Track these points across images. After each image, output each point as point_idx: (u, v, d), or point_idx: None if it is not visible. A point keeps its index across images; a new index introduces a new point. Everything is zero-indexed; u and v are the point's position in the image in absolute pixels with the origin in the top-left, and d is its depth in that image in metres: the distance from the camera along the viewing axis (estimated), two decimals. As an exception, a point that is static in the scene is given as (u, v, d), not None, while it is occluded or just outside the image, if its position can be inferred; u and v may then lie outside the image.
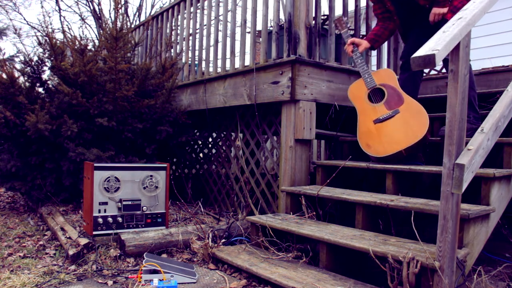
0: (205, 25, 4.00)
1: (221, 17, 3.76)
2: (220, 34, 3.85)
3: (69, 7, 20.04)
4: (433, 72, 4.33)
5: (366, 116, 2.75)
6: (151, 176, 2.81)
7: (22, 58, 3.70)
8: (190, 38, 4.16)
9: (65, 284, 2.03)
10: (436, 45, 1.46)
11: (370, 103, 2.76)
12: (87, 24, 13.30)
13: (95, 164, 2.64)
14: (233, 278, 2.13)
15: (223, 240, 2.61)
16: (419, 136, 2.46)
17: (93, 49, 3.91)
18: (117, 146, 3.52)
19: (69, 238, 2.56)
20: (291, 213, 2.73)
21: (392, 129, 2.61)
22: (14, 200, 4.43)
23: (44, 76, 3.76)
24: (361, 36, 3.40)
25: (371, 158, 2.70)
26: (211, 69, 3.85)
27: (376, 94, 2.77)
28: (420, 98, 3.28)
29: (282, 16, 3.22)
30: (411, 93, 2.81)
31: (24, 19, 24.60)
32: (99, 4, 12.82)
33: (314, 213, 2.59)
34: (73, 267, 2.26)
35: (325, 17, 4.06)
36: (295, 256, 2.29)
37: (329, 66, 3.03)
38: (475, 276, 1.76)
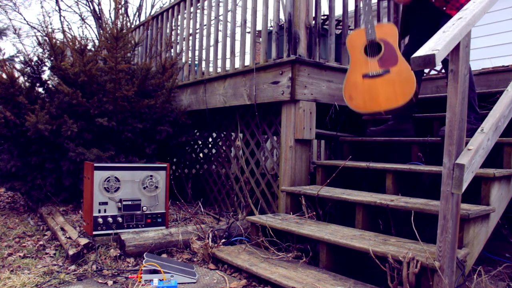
0: (205, 25, 4.00)
1: (221, 17, 3.76)
2: (220, 34, 3.85)
3: (69, 7, 20.06)
4: (433, 72, 4.33)
5: (357, 68, 2.71)
6: (151, 176, 2.81)
7: (22, 58, 3.70)
8: (190, 38, 4.16)
9: (65, 284, 2.03)
10: (436, 45, 1.46)
11: (365, 56, 2.70)
12: (87, 24, 13.30)
13: (95, 164, 2.64)
14: (233, 278, 2.13)
15: (223, 240, 2.61)
16: (400, 103, 2.47)
17: (93, 49, 3.91)
18: (117, 146, 3.52)
19: (69, 238, 2.56)
20: (291, 213, 2.73)
21: (377, 88, 2.58)
22: (14, 200, 4.43)
23: (44, 76, 3.77)
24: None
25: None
26: (211, 69, 3.85)
27: (373, 48, 2.70)
28: (420, 98, 3.28)
29: (282, 16, 3.22)
30: None
31: (24, 19, 24.61)
32: (99, 4, 12.83)
33: (314, 213, 2.59)
34: (73, 267, 2.26)
35: (325, 17, 4.07)
36: (295, 256, 2.29)
37: (329, 66, 3.03)
38: (475, 276, 1.76)
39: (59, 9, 13.06)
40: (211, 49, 3.94)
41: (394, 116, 2.96)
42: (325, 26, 3.80)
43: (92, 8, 12.51)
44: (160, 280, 2.01)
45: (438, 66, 4.21)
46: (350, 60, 2.78)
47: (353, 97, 2.66)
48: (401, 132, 2.89)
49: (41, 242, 2.72)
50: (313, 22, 2.97)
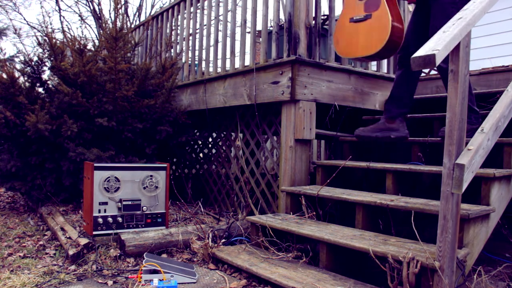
0: (205, 25, 4.00)
1: (221, 17, 3.76)
2: (220, 34, 3.85)
3: (69, 7, 20.08)
4: (433, 72, 4.33)
5: (347, 11, 2.66)
6: (151, 176, 2.81)
7: (22, 58, 3.70)
8: (190, 38, 4.16)
9: (65, 284, 2.03)
10: (436, 45, 1.46)
11: None
12: (87, 24, 13.30)
13: (95, 164, 2.64)
14: (233, 278, 2.13)
15: (223, 240, 2.61)
16: (374, 50, 2.45)
17: (93, 49, 3.91)
18: (117, 146, 3.52)
19: (69, 238, 2.56)
20: (291, 213, 2.73)
21: (358, 33, 2.54)
22: (14, 200, 4.43)
23: (44, 76, 3.77)
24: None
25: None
26: (211, 69, 3.85)
27: None
28: (420, 98, 3.28)
29: (282, 16, 3.22)
30: (405, 92, 2.70)
31: (24, 19, 24.61)
32: (99, 4, 12.83)
33: (314, 213, 2.59)
34: (73, 267, 2.26)
35: (325, 17, 4.06)
36: (295, 256, 2.29)
37: (329, 66, 3.03)
38: (475, 276, 1.76)
39: (59, 9, 13.07)
40: (211, 49, 3.94)
41: (385, 114, 2.82)
42: (325, 26, 3.80)
43: (92, 8, 12.52)
44: (160, 280, 2.01)
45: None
46: (344, 2, 2.72)
47: (339, 41, 2.62)
48: (392, 131, 2.71)
49: (41, 242, 2.72)
50: (313, 22, 2.97)
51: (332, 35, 2.70)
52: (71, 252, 2.33)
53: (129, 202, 2.73)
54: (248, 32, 3.39)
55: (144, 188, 2.79)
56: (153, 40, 4.86)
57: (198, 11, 4.04)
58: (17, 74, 3.56)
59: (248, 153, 3.49)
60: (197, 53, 4.05)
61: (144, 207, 2.77)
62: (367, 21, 2.51)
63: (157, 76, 3.83)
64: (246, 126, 3.51)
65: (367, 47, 2.47)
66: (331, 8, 3.16)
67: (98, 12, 12.24)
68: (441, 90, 3.90)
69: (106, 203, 2.67)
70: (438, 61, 1.41)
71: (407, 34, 2.75)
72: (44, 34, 3.62)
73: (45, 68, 3.74)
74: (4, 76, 3.38)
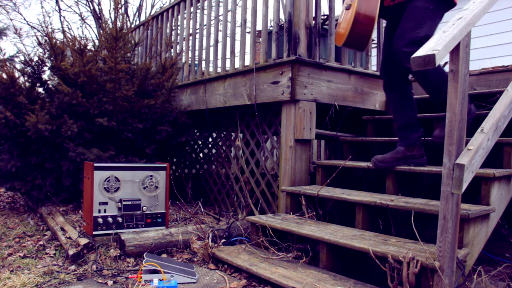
0: (205, 25, 4.00)
1: (221, 17, 3.76)
2: (220, 34, 3.85)
3: (69, 7, 20.06)
4: (433, 72, 4.32)
5: None
6: (151, 176, 2.81)
7: (22, 58, 3.70)
8: (190, 38, 4.16)
9: (65, 284, 2.03)
10: (436, 45, 1.46)
11: None
12: (87, 24, 13.30)
13: (95, 164, 2.64)
14: (233, 278, 2.13)
15: (223, 240, 2.61)
16: (340, 43, 2.45)
17: (93, 49, 3.91)
18: (117, 146, 3.52)
19: (69, 238, 2.56)
20: (291, 213, 2.73)
21: (343, 21, 2.52)
22: (14, 200, 4.43)
23: (44, 76, 3.77)
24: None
25: None
26: (211, 69, 3.85)
27: None
28: (419, 98, 3.28)
29: (282, 16, 3.22)
30: (408, 113, 2.53)
31: (24, 19, 24.60)
32: (99, 4, 12.82)
33: (314, 213, 2.59)
34: (73, 267, 2.26)
35: (325, 17, 4.06)
36: (295, 256, 2.29)
37: (329, 66, 3.03)
38: (475, 276, 1.76)
39: (59, 9, 13.07)
40: (211, 49, 3.94)
41: (402, 141, 2.55)
42: (325, 26, 3.80)
43: (92, 8, 12.51)
44: (160, 280, 2.01)
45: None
46: None
47: (338, 27, 2.63)
48: (411, 159, 2.51)
49: (41, 242, 2.72)
50: (313, 22, 2.97)
51: (333, 33, 2.70)
52: (71, 252, 2.33)
53: (129, 202, 2.73)
54: (248, 32, 3.39)
55: (144, 188, 2.79)
56: (153, 40, 4.86)
57: (198, 11, 4.04)
58: (17, 74, 3.57)
59: (248, 153, 3.49)
60: (197, 53, 4.05)
61: (144, 207, 2.77)
62: (348, 10, 2.50)
63: (157, 76, 3.83)
64: (246, 126, 3.51)
65: (340, 37, 2.48)
66: (331, 8, 3.16)
67: (98, 12, 12.24)
68: (441, 90, 3.89)
69: (106, 203, 2.67)
70: (438, 61, 1.41)
71: (383, 61, 2.65)
72: (44, 34, 3.63)
73: (45, 68, 3.74)
74: (4, 76, 3.38)
